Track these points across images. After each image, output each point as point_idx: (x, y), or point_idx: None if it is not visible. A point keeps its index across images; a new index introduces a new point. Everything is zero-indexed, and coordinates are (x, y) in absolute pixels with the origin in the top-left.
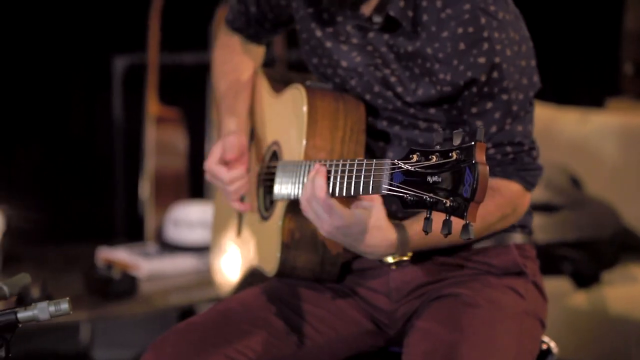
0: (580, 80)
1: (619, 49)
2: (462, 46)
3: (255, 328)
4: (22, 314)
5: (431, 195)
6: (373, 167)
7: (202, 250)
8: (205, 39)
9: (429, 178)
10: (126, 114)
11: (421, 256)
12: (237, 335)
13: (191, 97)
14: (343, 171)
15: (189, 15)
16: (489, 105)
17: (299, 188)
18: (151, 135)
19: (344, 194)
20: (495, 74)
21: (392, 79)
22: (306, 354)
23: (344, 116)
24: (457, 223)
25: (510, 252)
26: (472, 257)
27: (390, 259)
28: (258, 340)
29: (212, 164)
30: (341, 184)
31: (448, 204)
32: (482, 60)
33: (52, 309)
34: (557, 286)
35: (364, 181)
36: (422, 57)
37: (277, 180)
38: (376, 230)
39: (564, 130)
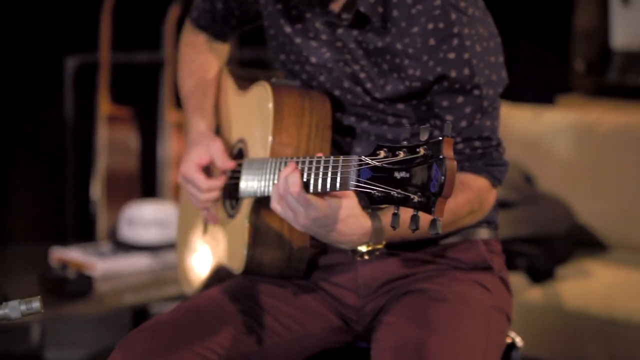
0: (531, 77)
1: (569, 47)
2: (432, 42)
3: (224, 324)
4: None
5: (399, 191)
6: (340, 164)
7: (157, 249)
8: (157, 38)
9: (396, 174)
10: (77, 113)
11: (389, 252)
12: (206, 332)
13: (143, 97)
14: (310, 168)
15: (141, 14)
16: (460, 99)
17: (266, 185)
18: (103, 134)
19: (312, 190)
20: (466, 70)
21: (362, 75)
22: (274, 350)
23: (309, 113)
24: (425, 218)
25: (477, 248)
26: (440, 252)
27: (363, 248)
28: (226, 336)
29: (190, 167)
30: (309, 180)
31: (416, 200)
32: (451, 55)
33: (23, 307)
34: (512, 282)
35: (331, 177)
36: (392, 52)
37: (243, 177)
38: (352, 217)
39: (517, 128)
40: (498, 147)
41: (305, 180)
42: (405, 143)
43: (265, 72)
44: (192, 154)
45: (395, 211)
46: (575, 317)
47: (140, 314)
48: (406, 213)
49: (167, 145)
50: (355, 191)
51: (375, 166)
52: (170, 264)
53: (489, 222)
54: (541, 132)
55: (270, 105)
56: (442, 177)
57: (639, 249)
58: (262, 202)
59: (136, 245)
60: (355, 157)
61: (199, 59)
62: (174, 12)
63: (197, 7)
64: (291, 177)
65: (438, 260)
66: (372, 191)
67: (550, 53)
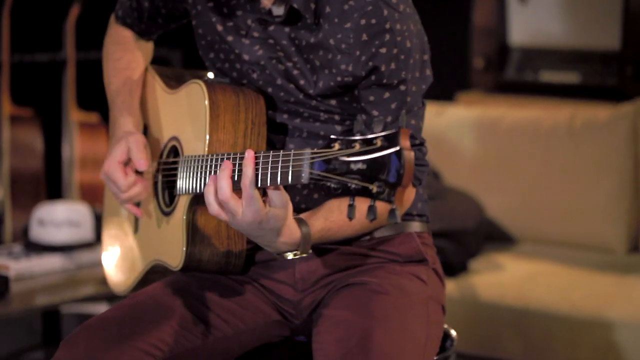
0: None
1: (468, 44)
2: (364, 37)
3: (166, 320)
4: None
5: (356, 182)
6: (291, 157)
7: (70, 249)
8: (59, 38)
9: (352, 165)
10: None
11: (327, 247)
12: (149, 329)
13: (46, 97)
14: (257, 163)
15: (41, 14)
16: (386, 94)
17: (204, 182)
18: (5, 135)
19: (259, 185)
20: (393, 65)
21: (295, 72)
22: (215, 345)
23: (244, 109)
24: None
25: (412, 240)
26: (376, 246)
27: (290, 255)
28: (169, 332)
29: (111, 165)
30: (258, 174)
31: (375, 190)
32: (383, 50)
33: None
34: None
35: (281, 172)
36: (324, 48)
37: (180, 175)
38: (284, 228)
39: None
40: (421, 147)
41: (256, 174)
42: (358, 135)
43: (190, 71)
44: (114, 151)
45: (351, 202)
46: (491, 309)
47: (50, 316)
48: (362, 203)
49: (72, 146)
50: (311, 183)
51: (330, 159)
52: (84, 264)
53: (420, 215)
54: (445, 128)
55: (206, 102)
56: (402, 168)
57: (545, 241)
58: (199, 199)
59: (48, 245)
60: (308, 150)
61: (126, 57)
62: (74, 12)
63: (122, 4)
64: (221, 183)
65: (374, 253)
66: (328, 183)
67: (449, 50)
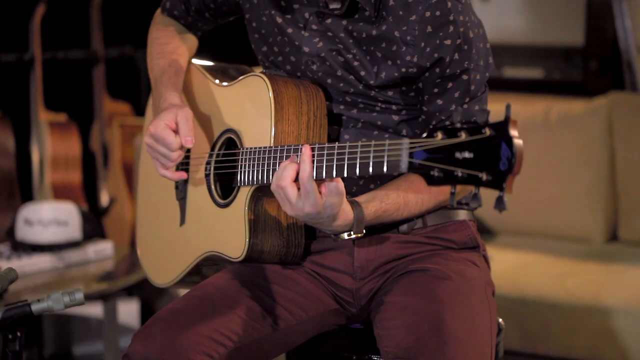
0: None
1: None
2: (429, 29)
3: (234, 311)
4: (37, 306)
5: (462, 170)
6: (386, 147)
7: (58, 248)
8: (25, 38)
9: (457, 154)
10: None
11: (384, 235)
12: (219, 320)
13: (13, 97)
14: (343, 153)
15: (7, 14)
16: (450, 84)
17: (269, 173)
18: None
19: (346, 174)
20: (457, 56)
21: (355, 63)
22: (280, 335)
23: (306, 102)
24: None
25: (467, 228)
26: (431, 234)
27: (345, 236)
28: (238, 323)
29: (159, 126)
30: (344, 165)
31: (484, 178)
32: (447, 42)
33: (66, 299)
34: None
35: (374, 162)
36: (387, 40)
37: (242, 167)
38: (341, 212)
39: None
40: None
41: (333, 165)
42: (458, 125)
43: (234, 65)
44: (162, 116)
45: (453, 190)
46: None
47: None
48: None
49: (44, 146)
50: (412, 170)
51: (433, 148)
52: (73, 263)
53: (467, 203)
54: None
55: (270, 94)
56: (513, 156)
57: (524, 233)
58: (261, 191)
59: (37, 245)
60: (406, 140)
61: (173, 42)
62: (40, 11)
63: None
64: (285, 171)
65: (430, 241)
66: (432, 171)
67: None
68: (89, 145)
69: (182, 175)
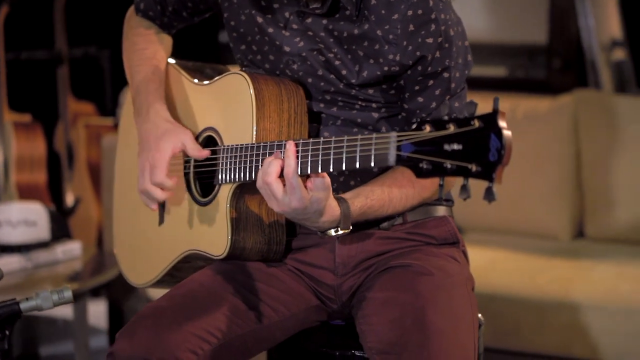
0: None
1: None
2: (411, 27)
3: (218, 307)
4: (25, 305)
5: (451, 162)
6: (373, 141)
7: (27, 249)
8: None
9: (446, 146)
10: None
11: (365, 231)
12: (203, 316)
13: None
14: (329, 148)
15: None
16: (431, 82)
17: (251, 170)
18: None
19: (332, 169)
20: (438, 54)
21: (336, 62)
22: (263, 331)
23: (287, 99)
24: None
25: (447, 223)
26: (411, 229)
27: (332, 232)
28: (222, 320)
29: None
30: (330, 160)
31: (474, 169)
32: (429, 40)
33: (55, 297)
34: None
35: (361, 155)
36: (370, 39)
37: (222, 165)
38: (327, 207)
39: None
40: None
41: (333, 158)
42: (446, 118)
43: (210, 64)
44: (165, 146)
45: (441, 182)
46: None
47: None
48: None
49: (7, 146)
50: (400, 163)
51: (421, 140)
52: (41, 263)
53: (447, 199)
54: None
55: (252, 91)
56: (502, 147)
57: (490, 230)
58: (242, 188)
59: (5, 245)
60: (394, 134)
61: (151, 47)
62: (3, 11)
63: None
64: (270, 167)
65: (411, 237)
66: (420, 164)
67: None
68: (54, 146)
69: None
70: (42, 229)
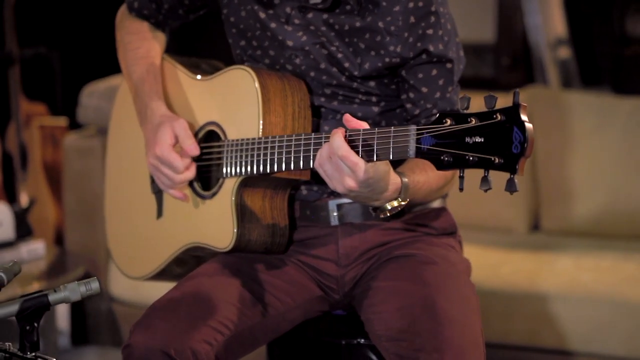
0: None
1: None
2: (412, 19)
3: (228, 300)
4: (54, 296)
5: (473, 154)
6: (392, 134)
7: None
8: None
9: (467, 139)
10: None
11: (367, 223)
12: (216, 308)
13: None
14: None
15: None
16: (434, 71)
17: (258, 164)
18: None
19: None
20: (440, 45)
21: (339, 55)
22: (270, 322)
23: (291, 93)
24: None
25: (446, 214)
26: (411, 220)
27: (389, 206)
28: (233, 311)
29: (164, 148)
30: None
31: (497, 161)
32: (430, 32)
33: (82, 289)
34: None
35: (379, 148)
36: (372, 31)
37: (227, 159)
38: (390, 174)
39: None
40: None
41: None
42: (465, 111)
43: (205, 60)
44: (162, 135)
45: (461, 174)
46: None
47: None
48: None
49: None
50: (421, 156)
51: (442, 133)
52: (6, 263)
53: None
54: None
55: (257, 85)
56: (525, 140)
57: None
58: (247, 181)
59: None
60: (413, 127)
61: (144, 46)
62: None
63: None
64: (337, 141)
65: (413, 227)
66: (442, 156)
67: None
68: (5, 147)
69: (183, 196)
70: (7, 229)
